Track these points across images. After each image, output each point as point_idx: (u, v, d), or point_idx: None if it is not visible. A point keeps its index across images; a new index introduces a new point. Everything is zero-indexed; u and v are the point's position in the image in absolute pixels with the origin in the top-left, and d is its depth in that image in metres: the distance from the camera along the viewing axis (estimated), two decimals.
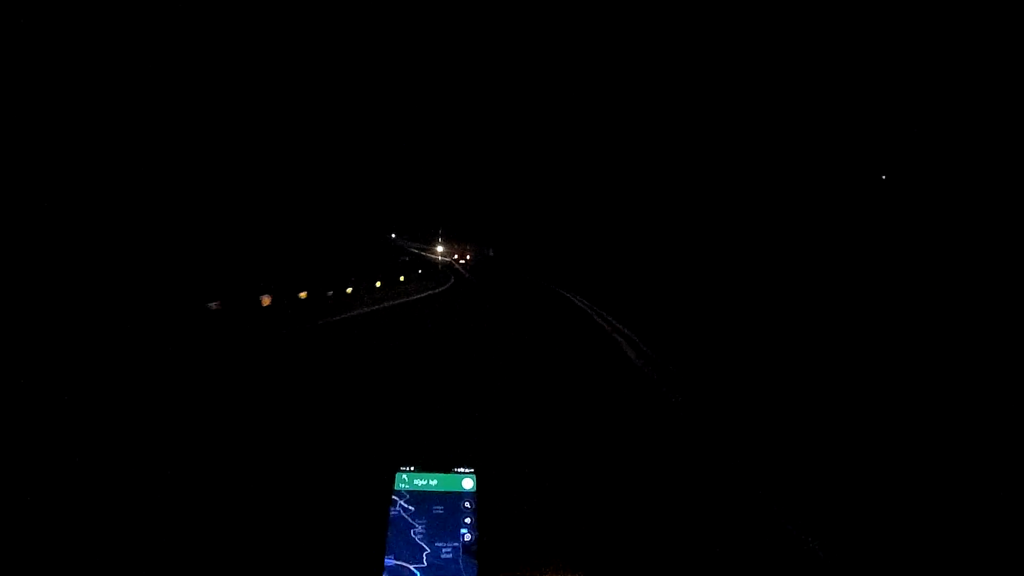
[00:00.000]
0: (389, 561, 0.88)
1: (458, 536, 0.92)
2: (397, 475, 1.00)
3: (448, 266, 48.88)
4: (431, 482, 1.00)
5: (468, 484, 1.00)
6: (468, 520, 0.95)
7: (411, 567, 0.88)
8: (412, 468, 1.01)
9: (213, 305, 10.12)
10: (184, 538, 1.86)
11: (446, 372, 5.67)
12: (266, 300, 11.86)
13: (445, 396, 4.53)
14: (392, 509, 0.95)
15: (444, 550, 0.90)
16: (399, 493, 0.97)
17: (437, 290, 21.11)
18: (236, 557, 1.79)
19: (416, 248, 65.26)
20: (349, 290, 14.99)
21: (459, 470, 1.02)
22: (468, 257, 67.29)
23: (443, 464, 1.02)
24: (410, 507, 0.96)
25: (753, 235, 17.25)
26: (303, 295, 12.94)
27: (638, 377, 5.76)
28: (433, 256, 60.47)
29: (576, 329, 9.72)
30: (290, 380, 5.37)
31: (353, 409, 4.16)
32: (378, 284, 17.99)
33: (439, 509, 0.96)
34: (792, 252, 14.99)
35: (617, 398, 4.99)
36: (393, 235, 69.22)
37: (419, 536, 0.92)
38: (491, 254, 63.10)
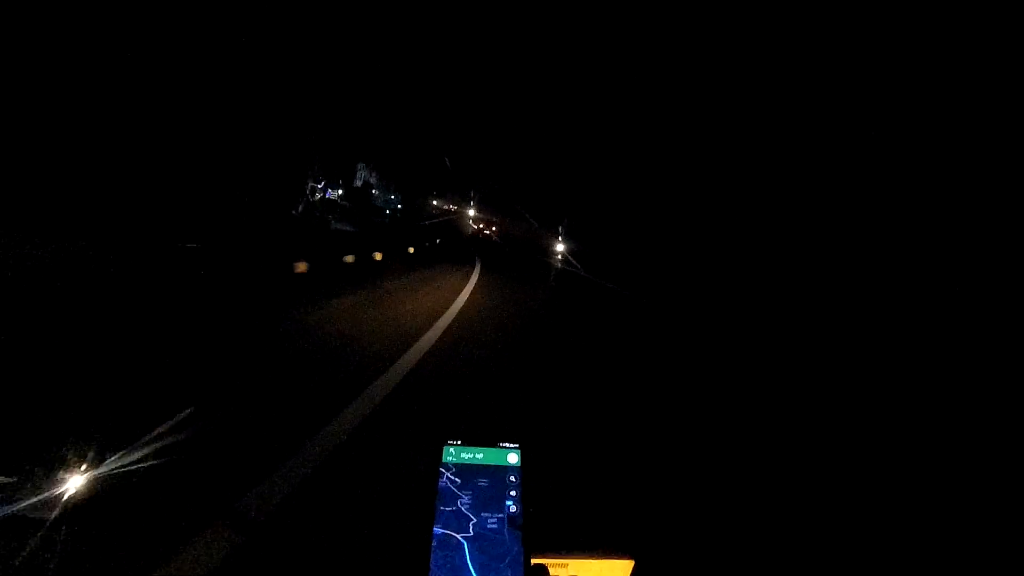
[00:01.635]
0: (437, 530, 0.91)
1: (503, 508, 0.94)
2: (444, 448, 1.01)
3: None
4: (477, 456, 1.01)
5: (513, 459, 1.02)
6: (513, 493, 0.97)
7: (458, 536, 0.90)
8: (459, 442, 1.03)
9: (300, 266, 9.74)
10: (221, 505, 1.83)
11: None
12: (301, 266, 12.11)
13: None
14: (440, 481, 0.97)
15: (490, 521, 0.92)
16: (446, 465, 0.99)
17: None
18: (284, 522, 1.78)
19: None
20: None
21: (504, 444, 1.03)
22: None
23: (489, 439, 1.03)
24: (456, 479, 0.98)
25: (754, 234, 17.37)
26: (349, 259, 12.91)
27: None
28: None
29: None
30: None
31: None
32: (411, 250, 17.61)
33: (484, 482, 0.98)
34: (792, 252, 15.13)
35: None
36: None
37: (465, 507, 0.94)
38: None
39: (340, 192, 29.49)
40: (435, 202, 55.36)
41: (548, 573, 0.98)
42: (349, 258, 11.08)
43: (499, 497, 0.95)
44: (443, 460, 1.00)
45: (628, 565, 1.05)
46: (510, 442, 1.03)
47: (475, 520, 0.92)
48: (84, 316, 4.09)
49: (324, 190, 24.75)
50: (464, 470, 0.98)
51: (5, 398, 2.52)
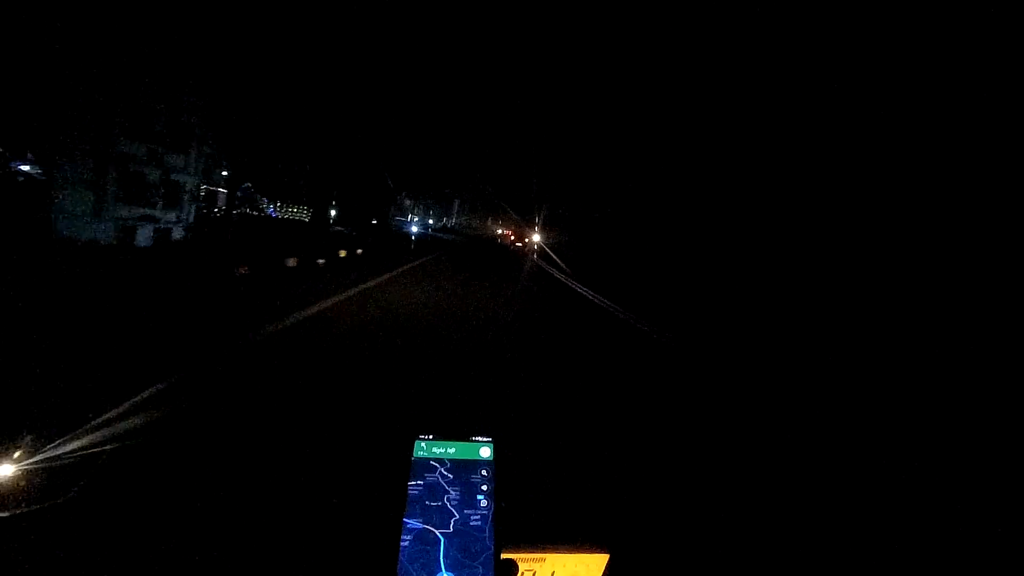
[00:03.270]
0: (413, 524, 0.89)
1: (475, 504, 0.92)
2: (416, 443, 0.99)
3: None
4: (449, 450, 0.99)
5: (486, 453, 0.99)
6: (485, 488, 0.95)
7: (436, 531, 0.89)
8: (431, 436, 1.00)
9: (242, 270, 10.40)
10: (199, 512, 1.84)
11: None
12: (293, 262, 13.36)
13: None
14: (411, 474, 0.95)
15: (465, 516, 0.91)
16: (418, 460, 0.97)
17: None
18: (253, 520, 1.80)
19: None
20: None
21: (477, 439, 1.00)
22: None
23: (461, 433, 1.01)
24: (428, 474, 0.95)
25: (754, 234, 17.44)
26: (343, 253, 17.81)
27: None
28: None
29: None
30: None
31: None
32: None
33: (456, 477, 0.95)
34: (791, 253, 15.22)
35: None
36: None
37: (437, 502, 0.92)
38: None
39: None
40: (464, 219, 77.58)
41: (517, 568, 0.96)
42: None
43: (472, 492, 0.93)
44: (415, 454, 0.97)
45: (603, 559, 1.04)
46: (483, 435, 1.01)
47: (447, 516, 0.90)
48: None
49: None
50: (436, 464, 0.96)
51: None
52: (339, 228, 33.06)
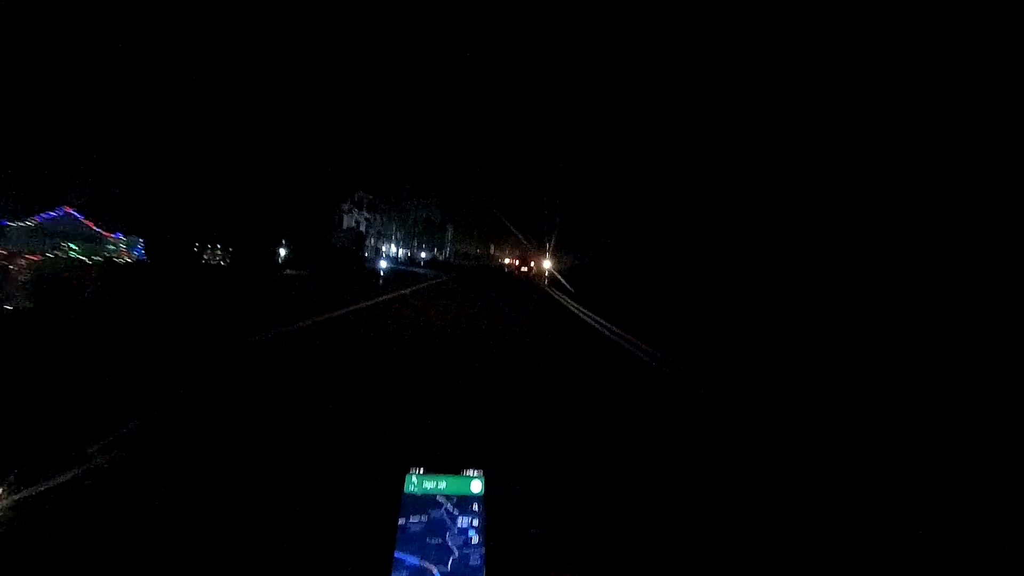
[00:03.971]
0: (411, 560, 0.89)
1: (466, 538, 0.93)
2: (407, 477, 1.00)
3: None
4: (440, 484, 0.99)
5: (476, 487, 1.00)
6: (475, 523, 0.95)
7: (433, 568, 0.88)
8: (421, 470, 1.01)
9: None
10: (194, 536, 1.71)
11: None
12: None
13: None
14: (402, 510, 0.95)
15: (468, 555, 0.90)
16: (409, 496, 0.97)
17: None
18: (244, 554, 1.68)
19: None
20: None
21: (467, 472, 1.02)
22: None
23: (451, 466, 1.02)
24: (421, 509, 0.95)
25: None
26: None
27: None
28: None
29: None
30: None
31: None
32: None
33: (447, 512, 0.96)
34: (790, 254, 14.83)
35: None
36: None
37: (438, 539, 0.92)
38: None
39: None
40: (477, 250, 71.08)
41: None
42: None
43: (462, 527, 0.94)
44: (406, 489, 0.98)
45: None
46: (474, 468, 1.02)
47: (445, 553, 0.90)
48: None
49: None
50: (426, 500, 0.97)
51: None
52: (292, 271, 22.85)
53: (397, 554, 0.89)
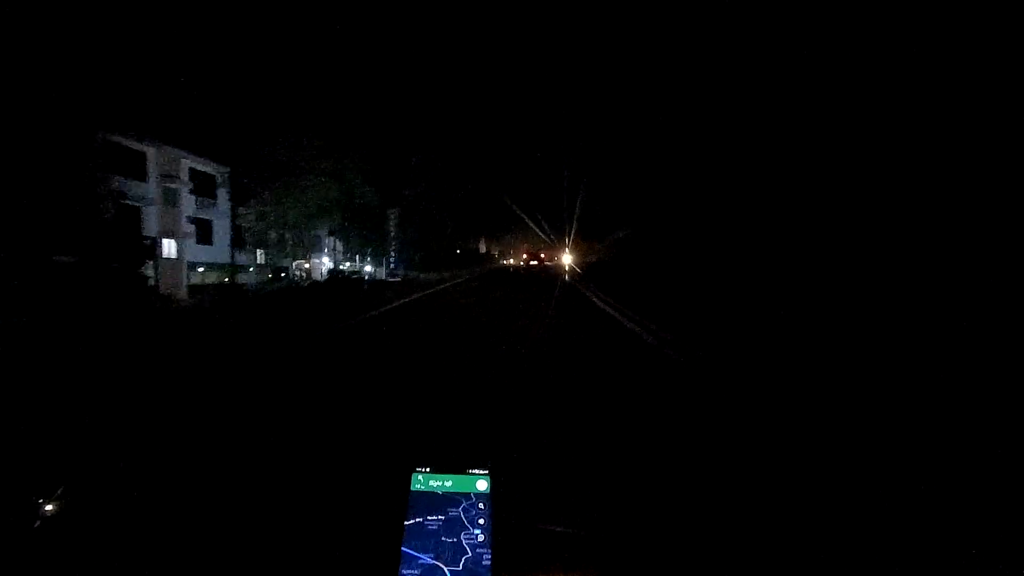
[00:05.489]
0: (424, 559, 0.90)
1: (473, 537, 0.93)
2: (413, 476, 1.00)
3: None
4: (446, 483, 1.00)
5: (482, 485, 1.00)
6: (482, 522, 0.95)
7: (445, 568, 0.90)
8: (428, 469, 1.01)
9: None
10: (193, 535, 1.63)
11: None
12: None
13: None
14: (410, 510, 0.96)
15: (459, 551, 0.92)
16: (416, 493, 0.98)
17: None
18: (247, 555, 1.63)
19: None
20: None
21: (473, 471, 1.01)
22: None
23: (458, 465, 1.02)
24: (425, 507, 0.96)
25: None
26: None
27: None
28: None
29: None
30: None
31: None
32: None
33: (453, 511, 0.96)
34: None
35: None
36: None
37: (453, 538, 0.93)
38: None
39: None
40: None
41: None
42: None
43: (469, 526, 0.95)
44: (412, 488, 0.98)
45: None
46: (480, 467, 1.02)
47: (459, 552, 0.91)
48: None
49: None
50: (433, 499, 0.97)
51: None
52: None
53: (411, 552, 0.91)
